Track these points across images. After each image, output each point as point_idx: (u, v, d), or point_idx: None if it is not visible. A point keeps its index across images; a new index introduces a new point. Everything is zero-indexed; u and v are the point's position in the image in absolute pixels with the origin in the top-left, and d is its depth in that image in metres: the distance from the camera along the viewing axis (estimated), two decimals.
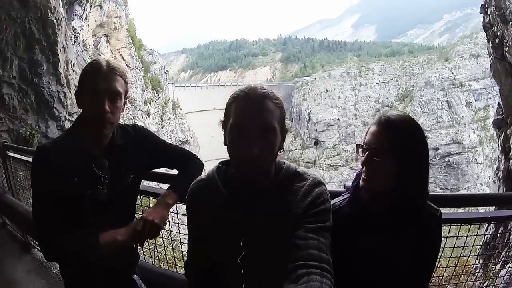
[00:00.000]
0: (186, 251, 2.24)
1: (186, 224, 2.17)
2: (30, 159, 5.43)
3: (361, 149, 2.04)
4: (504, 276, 3.89)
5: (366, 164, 1.98)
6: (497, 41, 8.07)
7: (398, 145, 1.93)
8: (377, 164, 1.94)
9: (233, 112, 1.78)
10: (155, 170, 2.92)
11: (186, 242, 2.28)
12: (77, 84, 2.34)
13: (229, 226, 1.82)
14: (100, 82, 2.18)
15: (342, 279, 1.67)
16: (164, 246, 3.67)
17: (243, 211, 1.80)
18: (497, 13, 7.64)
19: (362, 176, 2.02)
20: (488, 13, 8.31)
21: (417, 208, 2.01)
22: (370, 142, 1.99)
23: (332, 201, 2.06)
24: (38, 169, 2.23)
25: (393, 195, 1.97)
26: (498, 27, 7.85)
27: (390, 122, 1.98)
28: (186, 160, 2.73)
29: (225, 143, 1.84)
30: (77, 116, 2.44)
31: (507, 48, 7.62)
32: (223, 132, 1.86)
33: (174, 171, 2.79)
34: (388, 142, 1.93)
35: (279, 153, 1.85)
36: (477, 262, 4.31)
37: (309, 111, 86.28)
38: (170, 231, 3.40)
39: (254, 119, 1.72)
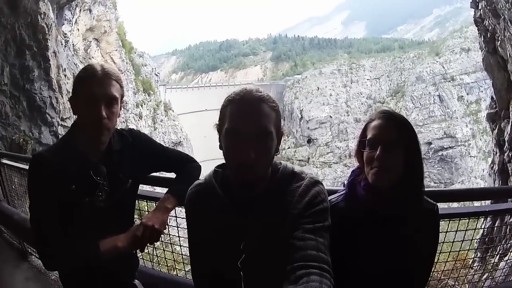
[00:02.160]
0: (189, 257, 2.22)
1: (186, 229, 2.15)
2: (25, 166, 5.42)
3: (368, 144, 2.04)
4: (503, 269, 3.90)
5: (380, 157, 1.96)
6: (488, 35, 8.11)
7: (405, 137, 1.97)
8: (391, 156, 1.95)
9: (228, 116, 1.76)
10: (152, 174, 2.90)
11: (185, 245, 2.27)
12: (69, 89, 2.33)
13: (228, 230, 1.82)
14: (96, 88, 2.16)
15: (340, 275, 1.68)
16: (163, 249, 3.65)
17: (242, 215, 1.80)
18: (488, 7, 7.68)
19: (373, 171, 2.00)
20: (479, 8, 8.35)
21: (415, 202, 2.04)
22: (380, 135, 1.99)
23: (329, 197, 2.05)
24: (35, 178, 2.21)
25: (396, 190, 1.98)
26: (489, 21, 7.88)
27: (394, 116, 2.03)
28: (184, 164, 2.72)
29: (220, 147, 1.83)
30: (70, 121, 2.42)
31: (498, 42, 7.67)
32: (218, 136, 1.85)
33: (172, 175, 2.78)
34: (398, 134, 1.96)
35: (275, 155, 1.85)
36: (475, 255, 4.33)
37: (301, 109, 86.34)
38: (169, 234, 3.38)
39: (250, 123, 1.70)
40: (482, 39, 8.55)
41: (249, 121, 1.71)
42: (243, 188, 1.82)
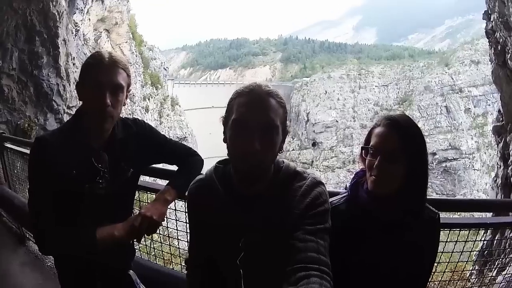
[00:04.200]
0: (187, 248, 2.23)
1: (186, 222, 2.16)
2: (28, 151, 5.42)
3: (369, 151, 2.02)
4: (500, 283, 3.88)
5: (379, 167, 1.94)
6: (499, 47, 8.09)
7: (409, 146, 1.93)
8: (391, 166, 1.92)
9: (235, 107, 1.76)
10: (154, 165, 2.90)
11: (182, 239, 2.27)
12: (77, 77, 2.32)
13: (228, 226, 1.81)
14: (102, 75, 2.16)
15: (340, 278, 1.67)
16: (160, 242, 3.65)
17: (242, 212, 1.79)
18: (500, 19, 7.65)
19: (372, 178, 1.98)
20: (491, 19, 8.33)
21: (418, 209, 2.02)
22: (381, 144, 1.96)
23: (330, 199, 2.04)
24: (36, 161, 2.21)
25: (399, 197, 1.96)
26: (500, 33, 7.86)
27: (399, 123, 1.98)
28: (187, 157, 2.72)
29: (224, 140, 1.83)
30: (76, 108, 2.41)
31: (509, 55, 7.64)
32: (223, 128, 1.84)
33: (174, 167, 2.78)
34: (400, 144, 1.92)
35: (279, 153, 1.83)
36: (472, 268, 4.31)
37: (307, 112, 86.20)
38: (167, 227, 3.38)
39: (257, 115, 1.70)
40: (493, 51, 8.53)
41: (256, 113, 1.71)
42: (244, 182, 1.82)
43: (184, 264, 2.29)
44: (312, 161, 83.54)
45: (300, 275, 1.51)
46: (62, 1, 12.78)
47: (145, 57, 48.41)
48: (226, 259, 1.86)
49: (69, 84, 13.48)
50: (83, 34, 30.36)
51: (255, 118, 1.70)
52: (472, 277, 4.26)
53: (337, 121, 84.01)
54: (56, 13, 12.08)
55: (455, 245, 3.03)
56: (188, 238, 2.27)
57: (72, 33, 17.75)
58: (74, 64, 14.52)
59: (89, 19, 33.50)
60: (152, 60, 52.20)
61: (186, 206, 2.22)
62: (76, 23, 25.01)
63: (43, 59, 11.97)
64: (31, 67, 11.57)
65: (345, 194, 2.20)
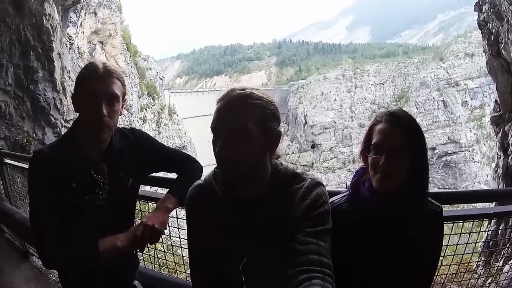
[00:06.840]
0: (188, 258, 2.20)
1: (186, 230, 2.13)
2: (27, 166, 5.42)
3: (372, 149, 2.00)
4: (508, 272, 3.87)
5: (385, 164, 1.92)
6: (492, 38, 8.10)
7: (412, 140, 1.92)
8: (397, 162, 1.91)
9: (213, 115, 1.76)
10: (153, 174, 2.88)
11: (186, 247, 2.25)
12: (73, 90, 2.29)
13: (229, 232, 1.79)
14: (97, 85, 2.14)
15: (343, 277, 1.66)
16: (164, 251, 3.63)
17: (243, 217, 1.77)
18: (491, 10, 7.67)
19: (378, 176, 1.96)
20: (483, 10, 8.35)
21: (420, 203, 2.01)
22: (385, 141, 1.95)
23: (331, 199, 2.04)
24: (35, 175, 2.19)
25: (402, 192, 1.95)
26: (493, 24, 7.88)
27: (400, 118, 1.97)
28: (186, 164, 2.70)
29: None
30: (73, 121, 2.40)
31: (502, 44, 7.65)
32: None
33: (173, 175, 2.76)
34: (404, 138, 1.91)
35: (272, 156, 1.83)
36: (478, 259, 4.29)
37: (305, 114, 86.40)
38: (170, 236, 3.36)
39: (224, 121, 1.70)
40: (486, 42, 8.54)
41: (224, 119, 1.70)
42: (228, 187, 1.80)
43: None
44: (312, 163, 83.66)
45: (302, 278, 1.50)
46: (55, 14, 12.77)
47: (140, 67, 48.60)
48: (228, 266, 1.82)
49: (66, 98, 13.46)
50: (78, 47, 30.50)
51: (223, 124, 1.70)
52: (479, 269, 4.25)
53: (335, 121, 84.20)
54: (50, 27, 12.06)
55: (459, 237, 3.01)
56: None
57: (67, 46, 17.79)
58: (69, 78, 14.49)
59: (83, 32, 33.68)
60: (147, 70, 52.41)
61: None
62: (70, 36, 25.11)
63: (38, 73, 11.94)
64: (27, 82, 11.54)
65: (346, 193, 2.18)
